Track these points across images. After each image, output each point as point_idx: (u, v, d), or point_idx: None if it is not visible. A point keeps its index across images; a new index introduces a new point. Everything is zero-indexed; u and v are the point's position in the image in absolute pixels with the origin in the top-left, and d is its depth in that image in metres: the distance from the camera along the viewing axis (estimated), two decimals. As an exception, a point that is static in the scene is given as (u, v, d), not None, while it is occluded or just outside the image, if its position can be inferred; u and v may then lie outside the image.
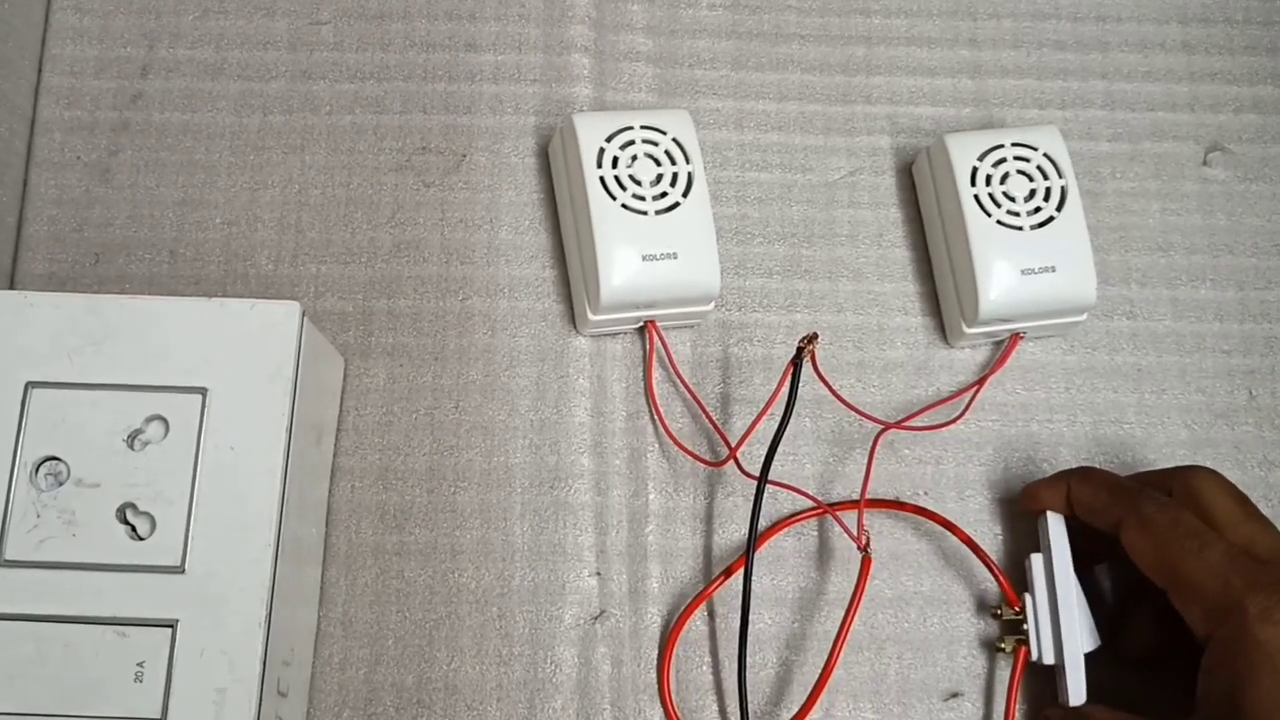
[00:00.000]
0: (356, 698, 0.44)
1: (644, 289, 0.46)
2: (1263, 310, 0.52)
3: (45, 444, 0.37)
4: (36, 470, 0.37)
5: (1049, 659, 0.44)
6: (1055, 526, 0.44)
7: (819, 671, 0.44)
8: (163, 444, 0.37)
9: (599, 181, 0.46)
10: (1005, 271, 0.47)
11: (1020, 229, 0.47)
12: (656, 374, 0.49)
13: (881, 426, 0.46)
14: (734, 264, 0.50)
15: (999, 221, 0.47)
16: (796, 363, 0.43)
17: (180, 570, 0.36)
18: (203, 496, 0.37)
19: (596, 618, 0.46)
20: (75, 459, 0.37)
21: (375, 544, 0.46)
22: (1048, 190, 0.48)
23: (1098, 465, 0.49)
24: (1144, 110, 0.54)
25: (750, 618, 0.44)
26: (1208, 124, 0.54)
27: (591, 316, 0.47)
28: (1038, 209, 0.47)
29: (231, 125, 0.50)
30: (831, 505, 0.47)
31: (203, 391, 0.38)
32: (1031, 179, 0.48)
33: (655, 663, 0.45)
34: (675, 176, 0.46)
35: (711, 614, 0.46)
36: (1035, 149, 0.48)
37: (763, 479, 0.44)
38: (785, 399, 0.44)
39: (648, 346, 0.49)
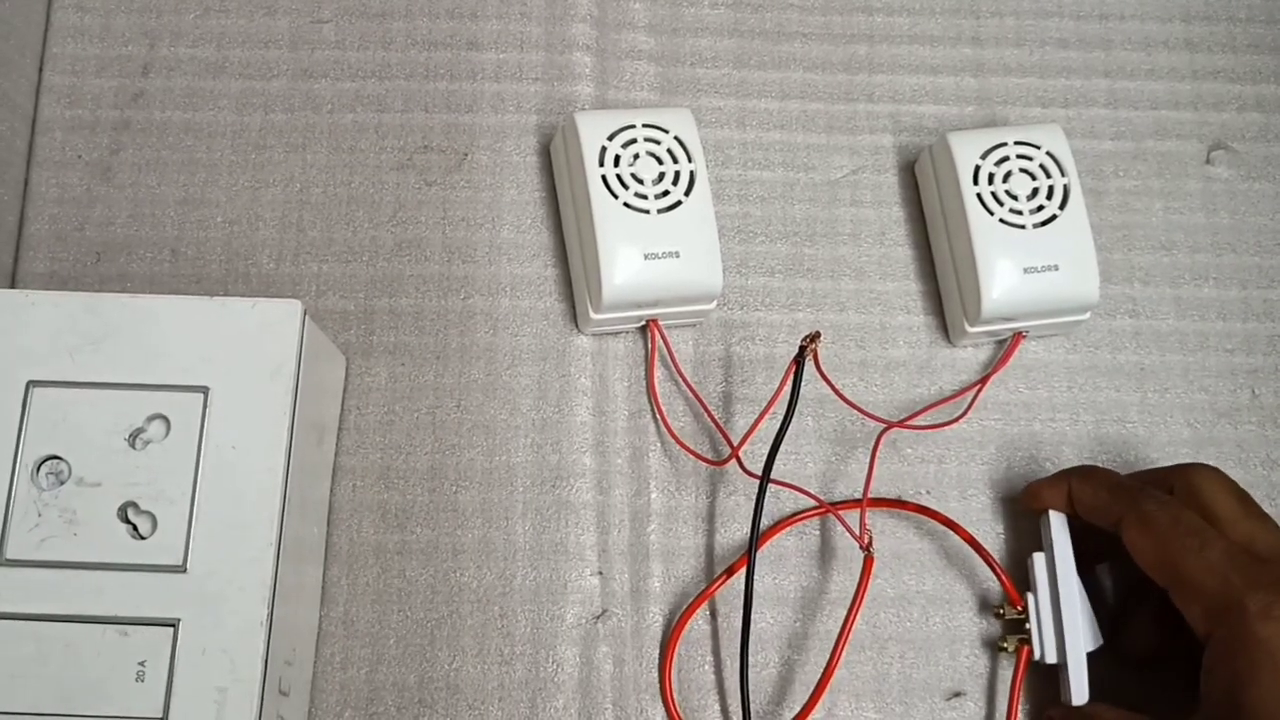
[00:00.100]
0: (358, 697, 0.44)
1: (646, 288, 0.45)
2: (1266, 309, 0.52)
3: (46, 443, 0.37)
4: (38, 469, 0.37)
5: (1051, 658, 0.43)
6: (1057, 525, 0.44)
7: (821, 671, 0.44)
8: (164, 443, 0.37)
9: (601, 180, 0.46)
10: (1008, 270, 0.47)
11: (1023, 227, 0.47)
12: (659, 373, 0.49)
13: (884, 425, 0.46)
14: (736, 262, 0.50)
15: (1001, 220, 0.47)
16: (799, 361, 0.43)
17: (182, 569, 0.36)
18: (204, 496, 0.37)
19: (598, 617, 0.46)
20: (76, 458, 0.37)
21: (377, 543, 0.46)
22: (1050, 189, 0.48)
23: (1100, 464, 0.48)
24: (1147, 108, 0.54)
25: (752, 617, 0.44)
26: (1211, 122, 0.54)
27: (593, 315, 0.47)
28: (1040, 207, 0.47)
29: (233, 124, 0.50)
30: (834, 504, 0.47)
31: (204, 390, 0.38)
32: (1034, 177, 0.48)
33: (657, 662, 0.45)
34: (677, 175, 0.46)
35: (713, 613, 0.46)
36: (1038, 147, 0.48)
37: (765, 478, 0.44)
38: (787, 398, 0.43)
39: (650, 345, 0.49)
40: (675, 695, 0.45)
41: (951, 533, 0.47)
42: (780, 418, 0.44)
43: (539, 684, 0.45)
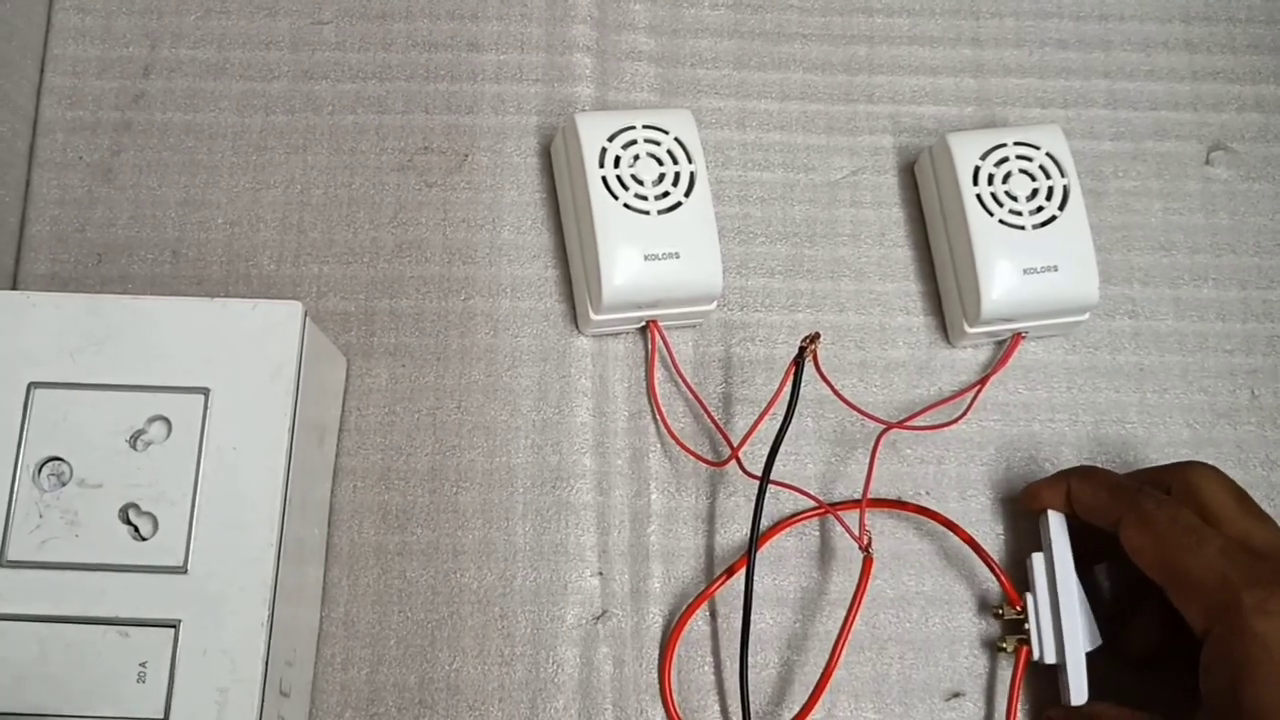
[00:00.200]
0: (359, 698, 0.44)
1: (646, 289, 0.46)
2: (1265, 309, 0.52)
3: (48, 444, 0.37)
4: (39, 471, 0.37)
5: (1050, 658, 0.44)
6: (1056, 526, 0.44)
7: (820, 671, 0.44)
8: (165, 444, 0.37)
9: (601, 181, 0.46)
10: (1007, 271, 0.47)
11: (1022, 228, 0.47)
12: (658, 374, 0.49)
13: (883, 426, 0.46)
14: (736, 263, 0.50)
15: (1001, 221, 0.47)
16: (799, 362, 0.43)
17: (183, 570, 0.36)
18: (205, 497, 0.37)
19: (598, 618, 0.46)
20: (78, 459, 0.37)
21: (377, 544, 0.46)
22: (1050, 189, 0.48)
23: (1099, 465, 0.48)
24: (1146, 109, 0.54)
25: (752, 618, 0.44)
26: (1210, 123, 0.54)
27: (594, 316, 0.47)
28: (1040, 208, 0.47)
29: (234, 125, 0.51)
30: (833, 505, 0.47)
31: (205, 392, 0.38)
32: (1034, 178, 0.48)
33: (657, 663, 0.45)
34: (677, 176, 0.46)
35: (713, 614, 0.46)
36: (1037, 148, 0.48)
37: (765, 479, 0.44)
38: (787, 399, 0.43)
39: (650, 346, 0.49)
40: (675, 696, 0.45)
41: (951, 533, 0.47)
42: (780, 418, 0.44)
43: (539, 685, 0.45)
